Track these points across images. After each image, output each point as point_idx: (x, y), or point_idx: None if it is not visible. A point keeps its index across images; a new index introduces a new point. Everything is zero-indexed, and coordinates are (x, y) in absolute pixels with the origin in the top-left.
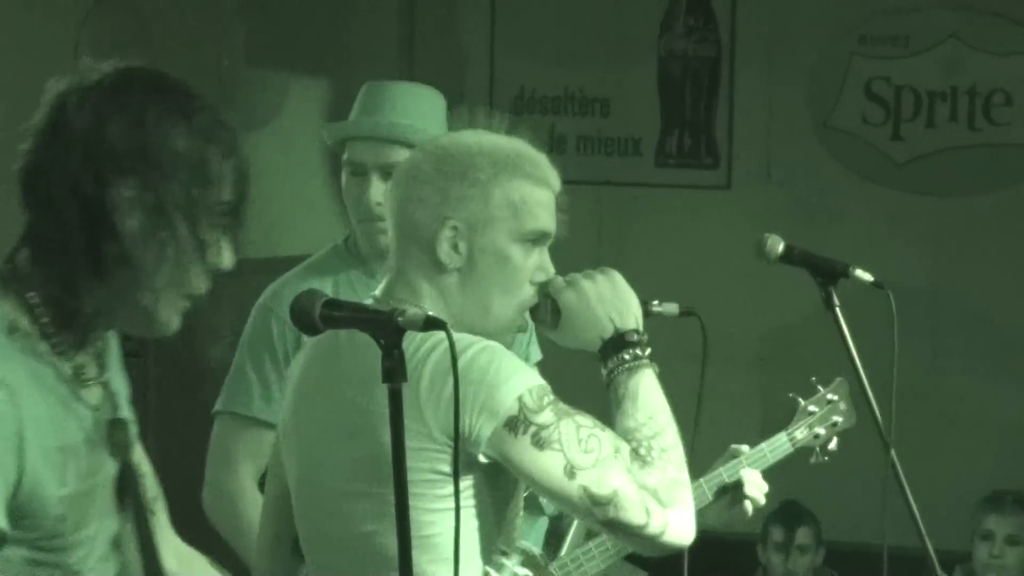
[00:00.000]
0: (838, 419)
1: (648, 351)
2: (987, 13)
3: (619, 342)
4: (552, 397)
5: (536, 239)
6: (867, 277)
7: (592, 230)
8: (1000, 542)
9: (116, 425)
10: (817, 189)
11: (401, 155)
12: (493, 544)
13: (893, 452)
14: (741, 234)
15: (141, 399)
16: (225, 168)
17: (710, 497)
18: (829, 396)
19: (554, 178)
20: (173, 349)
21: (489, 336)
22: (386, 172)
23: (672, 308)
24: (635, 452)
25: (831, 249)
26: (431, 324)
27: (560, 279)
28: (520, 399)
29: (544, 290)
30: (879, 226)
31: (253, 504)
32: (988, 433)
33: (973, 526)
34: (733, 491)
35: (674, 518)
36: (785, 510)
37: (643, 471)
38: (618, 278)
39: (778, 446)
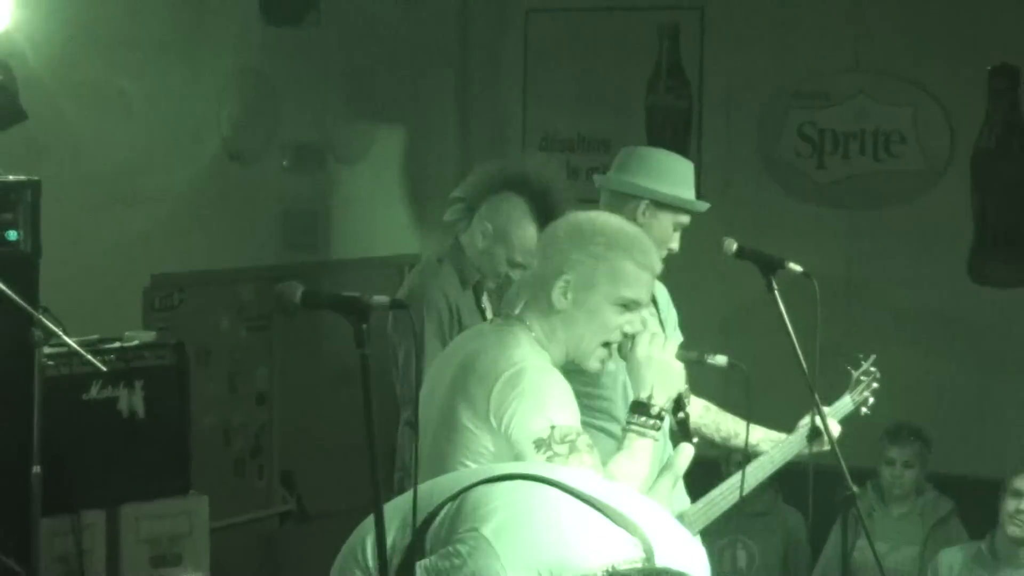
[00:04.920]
0: (875, 384)
1: (660, 426)
2: (886, 74)
3: (645, 408)
4: (574, 437)
5: (627, 304)
6: (798, 269)
7: None
8: (899, 466)
9: None
10: (763, 204)
11: None
12: None
13: (817, 396)
14: (708, 239)
15: (268, 362)
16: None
17: (805, 439)
18: (870, 368)
19: (656, 264)
20: (294, 322)
21: (576, 359)
22: None
23: (721, 360)
24: None
25: (772, 248)
26: (395, 305)
27: (645, 338)
28: (552, 428)
29: (629, 337)
30: (808, 231)
31: None
32: (890, 382)
33: (879, 452)
34: (816, 435)
35: None
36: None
37: None
38: (679, 367)
39: (844, 404)
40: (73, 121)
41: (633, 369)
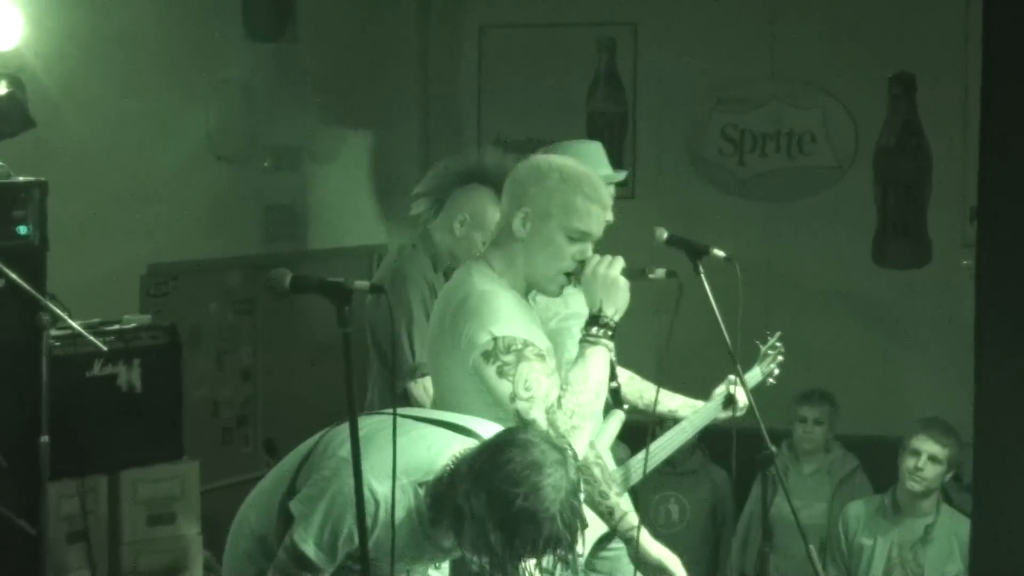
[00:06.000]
0: (780, 358)
1: (610, 335)
2: (798, 82)
3: (595, 320)
4: (520, 346)
5: (579, 236)
6: (721, 254)
7: None
8: (810, 423)
9: None
10: (691, 197)
11: None
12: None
13: (739, 367)
14: (642, 227)
15: (252, 342)
16: None
17: (720, 405)
18: (776, 343)
19: (606, 198)
20: (278, 304)
21: (536, 285)
22: None
23: (660, 272)
24: (559, 400)
25: (699, 236)
26: (375, 289)
27: (595, 259)
28: (495, 339)
29: (580, 264)
30: (730, 221)
31: None
32: (803, 354)
33: (792, 413)
34: (730, 402)
35: None
36: (807, 393)
37: (557, 413)
38: (622, 280)
39: (754, 375)
40: (77, 128)
41: (585, 288)
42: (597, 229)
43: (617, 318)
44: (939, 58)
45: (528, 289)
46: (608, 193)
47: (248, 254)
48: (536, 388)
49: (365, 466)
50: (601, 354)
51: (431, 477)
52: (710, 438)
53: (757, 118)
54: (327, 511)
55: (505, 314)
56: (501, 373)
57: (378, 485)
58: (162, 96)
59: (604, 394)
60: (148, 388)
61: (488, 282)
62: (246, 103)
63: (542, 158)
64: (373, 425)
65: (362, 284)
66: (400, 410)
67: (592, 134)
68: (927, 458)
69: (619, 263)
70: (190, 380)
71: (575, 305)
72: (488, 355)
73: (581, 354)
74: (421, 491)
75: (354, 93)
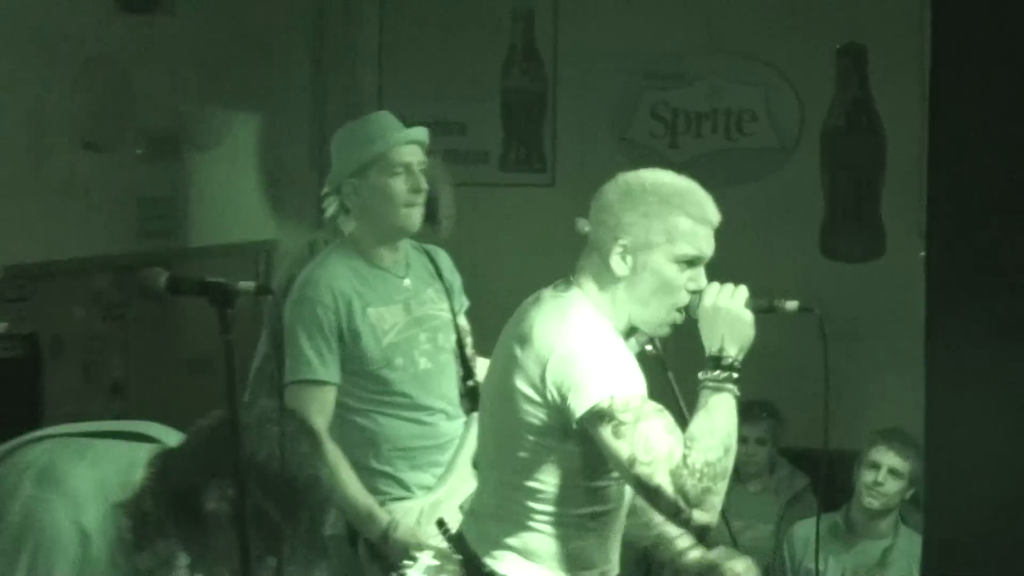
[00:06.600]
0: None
1: (736, 377)
2: (736, 55)
3: (718, 360)
4: (638, 403)
5: (689, 261)
6: None
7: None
8: (752, 443)
9: None
10: None
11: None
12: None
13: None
14: (563, 219)
15: (124, 351)
16: None
17: None
18: None
19: (713, 215)
20: (152, 309)
21: (646, 326)
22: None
23: (792, 305)
24: (685, 459)
25: None
26: (261, 291)
27: (713, 289)
28: (612, 398)
29: (695, 293)
30: None
31: (330, 448)
32: (743, 359)
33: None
34: None
35: (697, 514)
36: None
37: (684, 475)
38: (747, 314)
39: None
40: None
41: (702, 322)
42: (708, 249)
43: (741, 358)
44: (893, 28)
45: (630, 331)
46: (714, 207)
47: (119, 253)
48: (658, 449)
49: (56, 495)
50: (727, 401)
51: (129, 494)
52: None
53: (691, 95)
54: (32, 561)
55: (622, 367)
56: (618, 434)
57: (83, 516)
58: (20, 75)
59: (735, 449)
60: (4, 405)
61: (595, 325)
62: (116, 83)
63: (633, 177)
64: (47, 452)
65: (247, 285)
66: (51, 429)
67: (507, 114)
68: (887, 471)
69: (742, 293)
70: (52, 396)
71: (419, 309)
72: (603, 415)
73: (704, 403)
74: (121, 512)
75: (239, 71)
